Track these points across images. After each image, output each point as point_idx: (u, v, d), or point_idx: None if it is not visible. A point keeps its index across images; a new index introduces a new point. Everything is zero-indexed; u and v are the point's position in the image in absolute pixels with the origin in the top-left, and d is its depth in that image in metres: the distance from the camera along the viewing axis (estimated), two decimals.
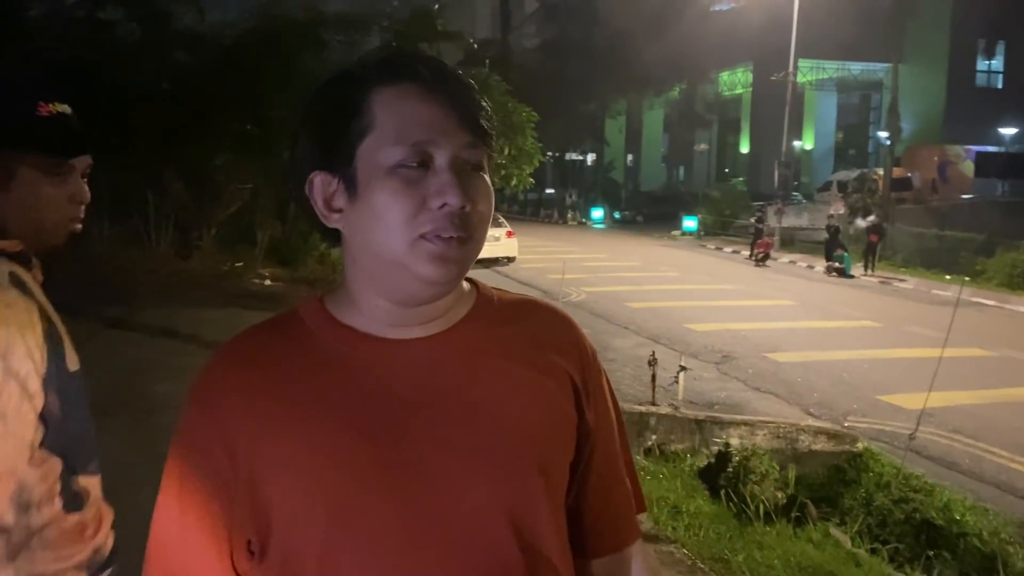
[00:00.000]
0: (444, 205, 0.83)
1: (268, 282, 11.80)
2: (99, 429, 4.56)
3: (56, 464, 1.24)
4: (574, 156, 43.16)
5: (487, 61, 15.13)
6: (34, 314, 1.22)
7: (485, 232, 0.88)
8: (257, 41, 12.80)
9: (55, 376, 1.23)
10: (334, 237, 0.90)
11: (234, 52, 12.81)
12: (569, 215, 38.84)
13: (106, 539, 1.33)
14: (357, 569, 0.83)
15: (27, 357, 1.18)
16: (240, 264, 12.70)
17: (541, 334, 0.97)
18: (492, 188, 0.90)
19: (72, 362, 1.30)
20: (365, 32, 13.79)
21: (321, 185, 0.87)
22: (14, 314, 1.19)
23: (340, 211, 0.87)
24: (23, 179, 1.29)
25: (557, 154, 38.98)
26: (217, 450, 0.86)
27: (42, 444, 1.21)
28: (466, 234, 0.85)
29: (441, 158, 0.84)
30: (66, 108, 1.36)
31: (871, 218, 21.33)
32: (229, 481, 0.85)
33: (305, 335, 0.90)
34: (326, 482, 0.83)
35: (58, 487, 1.25)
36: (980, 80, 34.60)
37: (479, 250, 0.88)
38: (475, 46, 20.12)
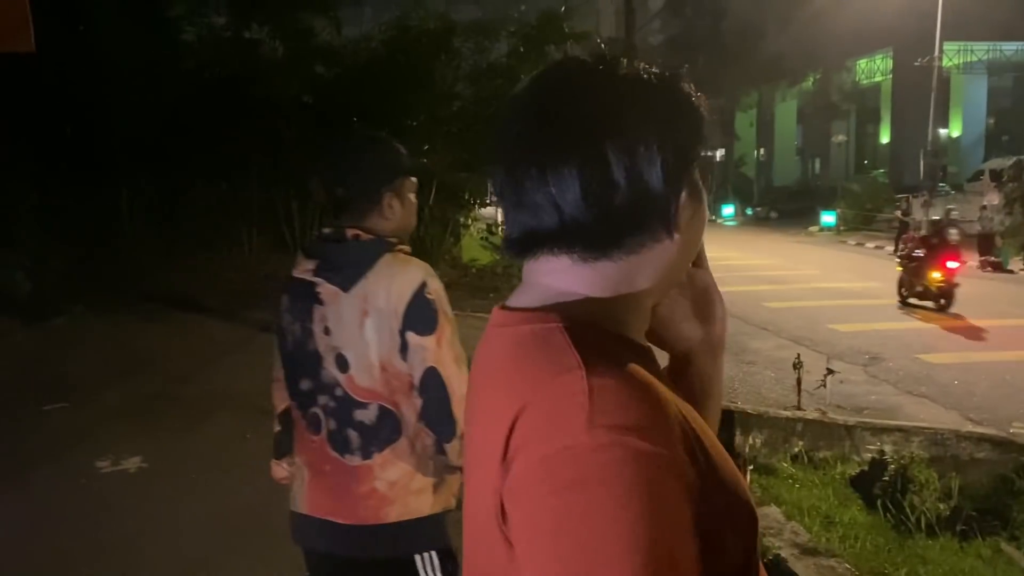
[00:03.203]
0: None
1: None
2: (258, 428, 4.81)
3: None
4: (703, 152, 42.17)
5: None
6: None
7: None
8: (392, 52, 13.19)
9: None
10: None
11: (370, 64, 13.24)
12: None
13: None
14: None
15: None
16: None
17: None
18: None
19: None
20: (494, 38, 13.98)
21: None
22: (444, 292, 1.88)
23: None
24: (408, 196, 1.98)
25: None
26: (686, 465, 0.73)
27: None
28: None
29: None
30: None
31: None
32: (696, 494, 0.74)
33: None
34: (746, 514, 0.81)
35: None
36: None
37: None
38: (602, 45, 20.07)
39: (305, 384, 1.93)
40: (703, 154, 0.89)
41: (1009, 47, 35.57)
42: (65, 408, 6.25)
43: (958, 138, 38.29)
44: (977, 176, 29.03)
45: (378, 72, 12.78)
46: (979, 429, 7.06)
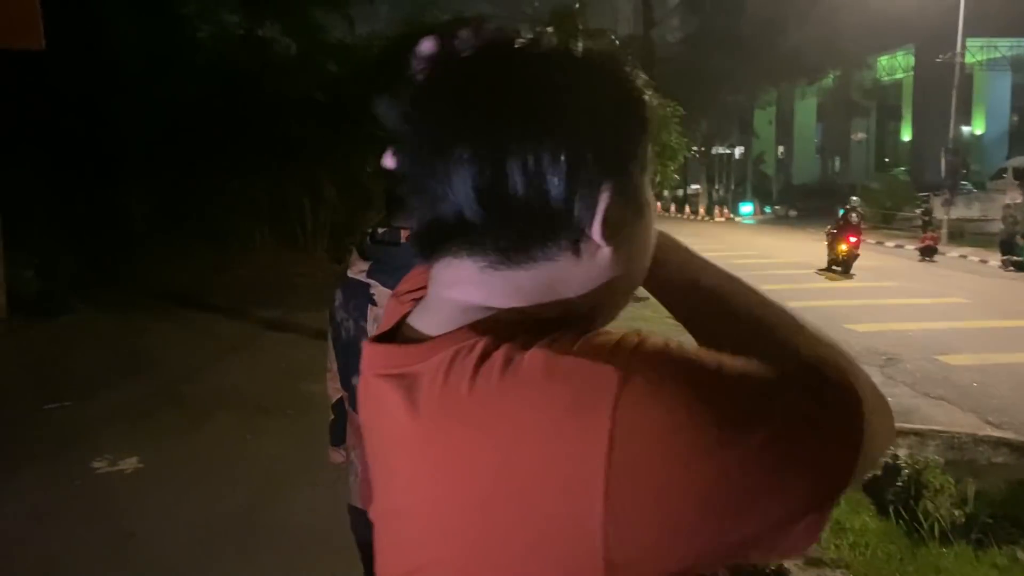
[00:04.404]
0: None
1: None
2: (258, 428, 4.75)
3: None
4: (721, 150, 41.99)
5: (630, 57, 14.98)
6: None
7: None
8: (403, 49, 13.15)
9: None
10: None
11: (382, 61, 13.21)
12: (715, 211, 37.77)
13: None
14: None
15: None
16: None
17: None
18: None
19: None
20: None
21: None
22: None
23: None
24: None
25: (703, 148, 38.04)
26: None
27: None
28: None
29: None
30: None
31: None
32: None
33: None
34: None
35: None
36: None
37: None
38: (617, 43, 20.01)
39: (356, 380, 1.96)
40: (645, 152, 0.73)
41: None
42: (66, 407, 6.20)
43: (981, 136, 37.83)
44: (1000, 174, 28.65)
45: (389, 69, 12.75)
46: (997, 433, 6.89)
